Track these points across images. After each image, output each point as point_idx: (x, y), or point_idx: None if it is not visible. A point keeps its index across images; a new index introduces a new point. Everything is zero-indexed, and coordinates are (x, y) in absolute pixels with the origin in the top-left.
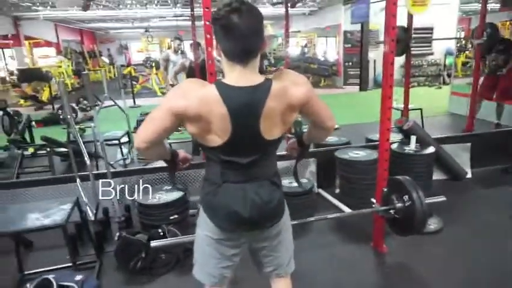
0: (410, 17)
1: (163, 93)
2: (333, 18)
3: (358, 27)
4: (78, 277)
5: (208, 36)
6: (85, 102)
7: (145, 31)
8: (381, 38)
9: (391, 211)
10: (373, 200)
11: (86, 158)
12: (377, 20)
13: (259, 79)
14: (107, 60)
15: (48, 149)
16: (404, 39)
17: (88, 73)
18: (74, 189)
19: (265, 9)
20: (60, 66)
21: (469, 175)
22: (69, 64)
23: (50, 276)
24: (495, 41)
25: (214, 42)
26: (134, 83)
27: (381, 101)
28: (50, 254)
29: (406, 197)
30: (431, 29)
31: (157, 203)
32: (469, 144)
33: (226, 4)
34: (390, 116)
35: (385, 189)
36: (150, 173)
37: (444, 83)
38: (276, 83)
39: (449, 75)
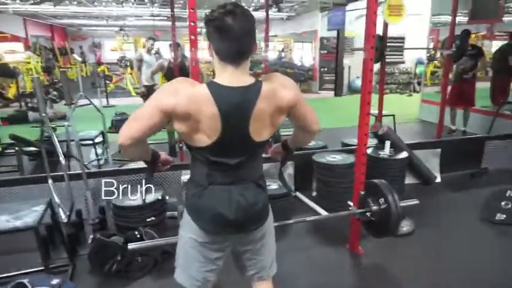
0: (385, 26)
1: (138, 94)
2: (309, 24)
3: (334, 33)
4: (55, 281)
5: (192, 37)
6: (54, 93)
7: (120, 30)
8: (356, 45)
9: (368, 213)
10: (350, 203)
11: (61, 158)
12: (352, 28)
13: (250, 80)
14: (78, 58)
15: (17, 148)
16: (380, 48)
17: (65, 70)
18: (44, 190)
19: None
20: (28, 63)
21: (438, 179)
22: (38, 60)
23: (25, 281)
24: (464, 51)
25: (207, 43)
26: (108, 82)
27: (359, 107)
28: (19, 258)
29: (381, 200)
30: (403, 38)
31: (134, 204)
32: (439, 150)
33: (220, 6)
34: (368, 121)
35: (362, 193)
36: (126, 174)
37: (414, 90)
38: (266, 85)
39: (419, 84)
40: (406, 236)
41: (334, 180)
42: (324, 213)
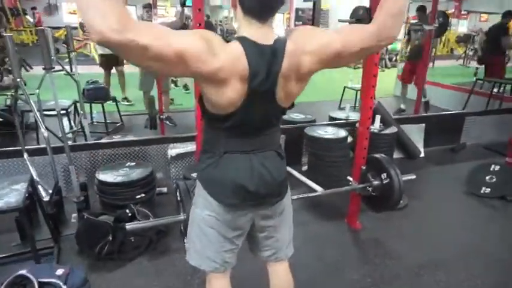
0: None
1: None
2: None
3: (309, 5)
4: (60, 271)
5: None
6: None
7: None
8: (331, 17)
9: (369, 188)
10: (350, 178)
11: (43, 129)
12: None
13: (274, 36)
14: (31, 19)
15: None
16: (367, 20)
17: (44, 29)
18: (11, 166)
19: None
20: None
21: (422, 154)
22: None
23: (25, 272)
24: (446, 28)
25: None
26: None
27: (364, 79)
28: None
29: (384, 175)
30: None
31: (122, 180)
32: (423, 125)
33: None
34: (373, 95)
35: (363, 167)
36: (108, 148)
37: (386, 66)
38: (289, 44)
39: (390, 60)
40: (401, 210)
41: (328, 155)
42: (318, 188)
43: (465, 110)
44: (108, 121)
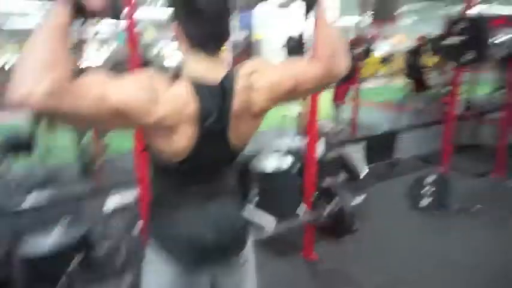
0: (304, 28)
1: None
2: None
3: (242, 35)
4: None
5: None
6: None
7: None
8: (264, 48)
9: (322, 216)
10: (301, 208)
11: None
12: (262, 30)
13: (223, 71)
14: None
15: None
16: (298, 50)
17: None
18: None
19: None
20: None
21: (364, 172)
22: None
23: None
24: (369, 51)
25: (174, 23)
26: None
27: (310, 106)
28: None
29: (335, 200)
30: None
31: (51, 250)
32: (363, 144)
33: None
34: (316, 121)
35: (315, 195)
36: (33, 211)
37: None
38: (239, 80)
39: None
40: (353, 233)
41: (276, 186)
42: (269, 224)
43: (396, 125)
44: (34, 175)
